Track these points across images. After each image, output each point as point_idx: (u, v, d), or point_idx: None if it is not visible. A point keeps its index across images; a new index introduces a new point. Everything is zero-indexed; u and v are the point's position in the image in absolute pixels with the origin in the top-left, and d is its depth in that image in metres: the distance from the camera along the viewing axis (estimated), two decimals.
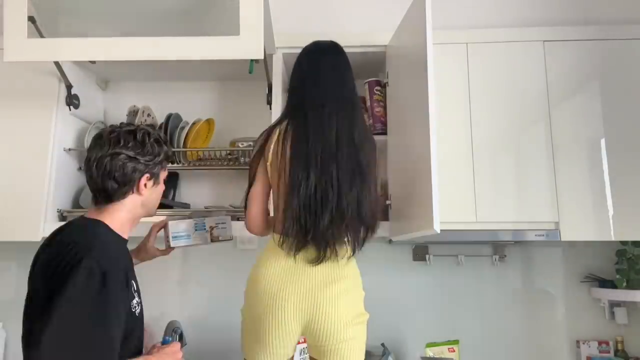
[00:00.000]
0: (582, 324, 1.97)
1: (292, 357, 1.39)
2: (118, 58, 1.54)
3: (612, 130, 1.78)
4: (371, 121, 1.90)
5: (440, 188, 1.30)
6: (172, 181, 2.10)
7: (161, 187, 1.35)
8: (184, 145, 1.93)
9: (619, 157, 1.76)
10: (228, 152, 2.00)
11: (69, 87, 1.88)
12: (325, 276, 1.31)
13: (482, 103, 1.82)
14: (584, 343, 1.93)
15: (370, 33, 1.90)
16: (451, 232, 1.71)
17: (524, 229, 1.74)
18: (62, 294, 1.02)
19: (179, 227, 1.55)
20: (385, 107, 1.85)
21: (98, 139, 1.24)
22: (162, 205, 1.91)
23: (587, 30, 1.87)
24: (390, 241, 1.94)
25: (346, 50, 1.82)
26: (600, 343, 1.93)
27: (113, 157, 1.20)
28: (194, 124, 1.97)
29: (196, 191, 2.12)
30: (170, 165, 1.95)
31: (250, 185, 1.43)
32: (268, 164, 1.38)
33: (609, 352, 1.92)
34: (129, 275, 1.19)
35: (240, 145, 1.95)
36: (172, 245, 1.54)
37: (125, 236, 1.27)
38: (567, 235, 1.72)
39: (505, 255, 2.02)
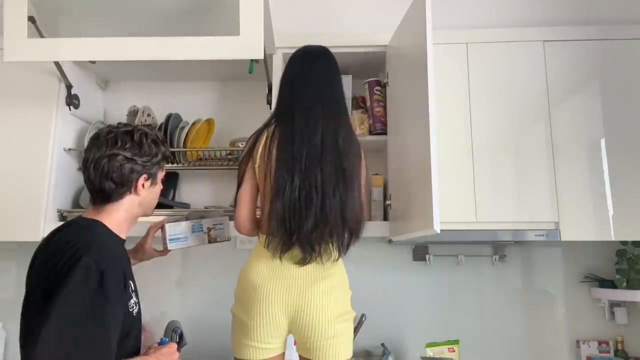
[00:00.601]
0: (582, 324, 1.97)
1: (283, 353, 1.40)
2: (118, 58, 1.54)
3: (612, 130, 1.78)
4: (371, 121, 1.90)
5: (440, 188, 1.30)
6: (172, 181, 2.10)
7: (159, 187, 1.35)
8: (184, 145, 1.93)
9: (619, 157, 1.76)
10: (228, 152, 2.00)
11: (69, 87, 1.88)
12: (311, 274, 1.33)
13: (482, 103, 1.82)
14: (584, 343, 1.93)
15: (370, 33, 1.90)
16: (451, 232, 1.71)
17: (524, 229, 1.74)
18: (60, 293, 1.02)
19: (177, 229, 1.55)
20: (385, 107, 1.85)
21: (95, 139, 1.24)
22: (161, 205, 1.92)
23: (587, 30, 1.87)
24: (390, 241, 1.94)
25: (346, 50, 1.85)
26: (600, 343, 1.93)
27: (111, 158, 1.20)
28: (194, 124, 1.97)
29: (196, 191, 2.12)
30: (170, 165, 1.96)
31: (238, 187, 1.45)
32: (256, 166, 1.41)
33: (609, 352, 1.92)
34: (127, 275, 1.19)
35: (240, 145, 1.95)
36: (169, 247, 1.55)
37: (123, 236, 1.28)
38: (567, 235, 1.72)
39: (505, 255, 2.02)
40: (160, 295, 2.08)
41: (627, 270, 1.87)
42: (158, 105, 2.09)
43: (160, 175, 1.35)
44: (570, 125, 1.79)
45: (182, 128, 1.97)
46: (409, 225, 1.48)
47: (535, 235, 1.73)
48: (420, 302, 2.03)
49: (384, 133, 1.84)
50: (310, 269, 1.33)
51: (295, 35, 1.90)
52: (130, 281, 1.21)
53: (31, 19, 1.51)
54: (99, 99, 2.19)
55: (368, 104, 1.92)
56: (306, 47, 1.54)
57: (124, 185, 1.23)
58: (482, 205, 1.75)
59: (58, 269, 1.07)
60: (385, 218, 1.82)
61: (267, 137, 1.40)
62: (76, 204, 1.95)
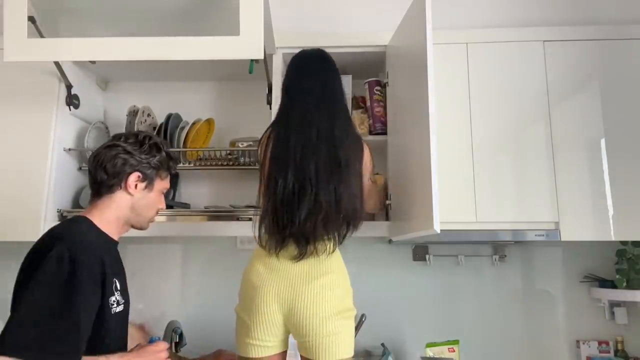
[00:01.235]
0: (582, 324, 1.97)
1: (285, 352, 1.41)
2: (118, 58, 1.54)
3: (612, 130, 1.78)
4: (371, 121, 1.90)
5: (440, 188, 1.30)
6: (172, 181, 2.09)
7: (155, 197, 1.33)
8: (184, 145, 1.93)
9: (619, 157, 1.76)
10: (228, 152, 2.00)
11: (69, 87, 1.88)
12: (307, 271, 1.33)
13: (482, 103, 1.82)
14: (584, 343, 1.93)
15: (370, 33, 1.90)
16: (451, 232, 1.71)
17: (524, 229, 1.74)
18: (33, 279, 1.06)
19: None
20: (385, 107, 1.85)
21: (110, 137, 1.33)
22: None
23: (587, 30, 1.87)
24: (390, 241, 1.93)
25: (346, 50, 1.85)
26: (600, 343, 1.93)
27: (109, 149, 1.25)
28: (194, 124, 1.97)
29: (196, 191, 2.12)
30: None
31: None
32: (260, 168, 1.45)
33: (609, 352, 1.92)
34: (109, 270, 1.18)
35: (240, 145, 1.95)
36: None
37: (113, 236, 1.28)
38: (567, 235, 1.72)
39: (505, 255, 2.02)
40: (160, 295, 2.08)
41: (627, 270, 1.87)
42: (158, 105, 2.09)
43: (160, 185, 1.33)
44: (570, 125, 1.79)
45: (182, 128, 1.97)
46: (409, 225, 1.48)
47: (535, 235, 1.73)
48: (420, 302, 2.03)
49: (384, 133, 1.84)
50: (307, 266, 1.34)
51: (295, 35, 1.90)
52: (116, 279, 1.22)
53: (31, 19, 1.51)
54: (99, 99, 2.19)
55: (368, 104, 1.92)
56: (301, 51, 1.57)
57: (115, 177, 1.24)
58: (482, 205, 1.75)
59: (35, 258, 1.11)
60: (386, 218, 1.82)
61: (265, 138, 1.44)
62: (76, 204, 1.95)
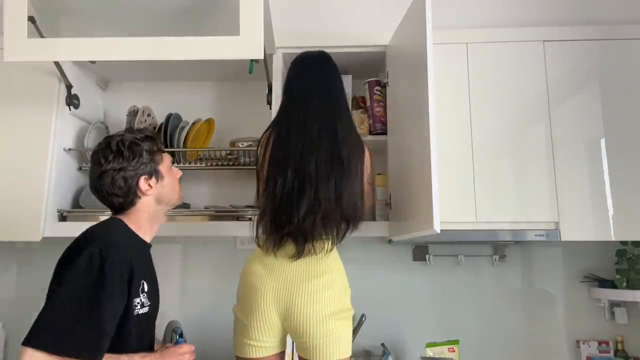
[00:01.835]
0: (582, 324, 1.97)
1: (283, 352, 1.41)
2: (118, 58, 1.54)
3: (612, 130, 1.78)
4: (371, 121, 1.90)
5: (440, 188, 1.30)
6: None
7: (169, 178, 1.37)
8: (184, 145, 1.93)
9: (619, 157, 1.76)
10: (228, 152, 2.00)
11: (69, 87, 1.88)
12: (305, 271, 1.33)
13: (482, 103, 1.82)
14: (584, 343, 1.93)
15: (370, 33, 1.90)
16: (451, 232, 1.71)
17: (524, 229, 1.74)
18: (65, 276, 1.11)
19: None
20: (385, 107, 1.85)
21: (90, 164, 1.31)
22: None
23: (587, 30, 1.87)
24: (390, 241, 1.93)
25: (346, 50, 1.85)
26: (600, 343, 1.93)
27: (103, 177, 1.26)
28: (194, 124, 1.97)
29: (196, 191, 2.12)
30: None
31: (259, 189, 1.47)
32: (259, 168, 1.43)
33: (609, 352, 1.92)
34: (137, 271, 1.21)
35: (240, 145, 1.95)
36: None
37: (146, 238, 1.32)
38: (567, 235, 1.72)
39: (505, 255, 2.02)
40: (161, 295, 2.08)
41: (627, 270, 1.87)
42: (158, 105, 2.09)
43: (164, 166, 1.36)
44: (570, 125, 1.79)
45: (182, 128, 1.97)
46: (409, 225, 1.48)
47: (535, 235, 1.73)
48: (420, 302, 2.03)
49: (384, 133, 1.84)
50: (304, 266, 1.33)
51: (295, 35, 1.90)
52: (144, 281, 1.24)
53: (31, 19, 1.51)
54: (99, 99, 2.19)
55: (368, 104, 1.92)
56: (304, 52, 1.57)
57: (129, 195, 1.28)
58: (482, 205, 1.75)
59: (70, 254, 1.15)
60: (385, 218, 1.82)
61: (265, 139, 1.43)
62: (76, 204, 1.95)
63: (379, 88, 1.90)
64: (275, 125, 1.45)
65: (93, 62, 1.88)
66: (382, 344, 1.90)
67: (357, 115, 1.92)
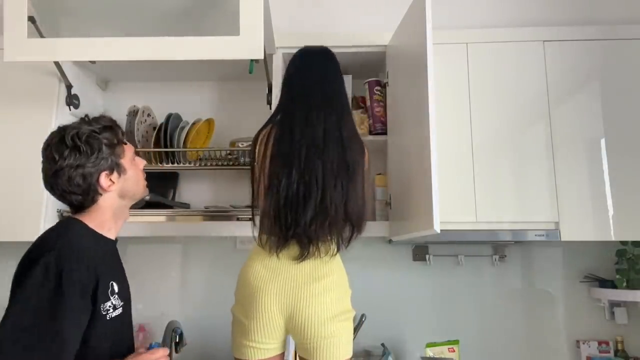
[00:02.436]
0: (582, 324, 1.97)
1: (283, 353, 1.40)
2: (118, 58, 1.54)
3: (612, 130, 1.78)
4: (371, 121, 1.90)
5: (440, 188, 1.30)
6: (172, 181, 2.10)
7: (132, 170, 1.26)
8: (184, 145, 1.93)
9: (619, 157, 1.76)
10: (228, 152, 2.00)
11: (69, 87, 1.88)
12: (309, 273, 1.31)
13: (482, 103, 1.82)
14: (584, 343, 1.93)
15: (370, 33, 1.90)
16: (451, 232, 1.71)
17: (524, 229, 1.74)
18: (19, 290, 1.02)
19: None
20: (385, 107, 1.85)
21: (43, 156, 1.19)
22: (162, 205, 1.92)
23: (587, 30, 1.87)
24: (390, 241, 1.93)
25: (346, 50, 1.85)
26: (600, 343, 1.93)
27: (58, 175, 1.14)
28: (194, 124, 1.97)
29: (196, 191, 2.12)
30: (170, 165, 1.97)
31: (253, 188, 1.42)
32: (256, 164, 1.39)
33: (609, 352, 1.92)
34: (103, 275, 1.13)
35: (240, 145, 1.95)
36: None
37: (110, 235, 1.23)
38: (567, 235, 1.72)
39: (505, 255, 2.02)
40: (160, 295, 2.08)
41: (627, 270, 1.87)
42: (158, 105, 2.09)
43: (124, 159, 1.24)
44: (570, 125, 1.79)
45: (182, 128, 1.97)
46: (409, 225, 1.48)
47: (535, 235, 1.73)
48: (420, 302, 2.03)
49: (384, 133, 1.84)
50: (308, 268, 1.32)
51: (295, 35, 1.90)
52: (113, 282, 1.17)
53: (31, 19, 1.51)
54: (99, 99, 2.19)
55: (368, 104, 1.92)
56: (306, 47, 1.54)
57: (89, 193, 1.17)
58: (482, 205, 1.75)
59: (24, 267, 1.07)
60: (385, 218, 1.82)
61: (266, 136, 1.39)
62: None
63: (379, 88, 1.90)
64: (276, 122, 1.40)
65: (93, 62, 1.88)
66: (382, 344, 1.90)
67: (357, 115, 1.92)
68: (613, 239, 1.74)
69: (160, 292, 2.08)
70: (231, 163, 2.01)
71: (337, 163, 1.30)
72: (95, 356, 1.09)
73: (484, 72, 1.84)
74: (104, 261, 1.16)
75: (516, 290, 2.03)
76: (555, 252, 2.03)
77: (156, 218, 1.87)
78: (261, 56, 1.48)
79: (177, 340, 1.83)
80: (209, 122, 2.06)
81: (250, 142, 1.90)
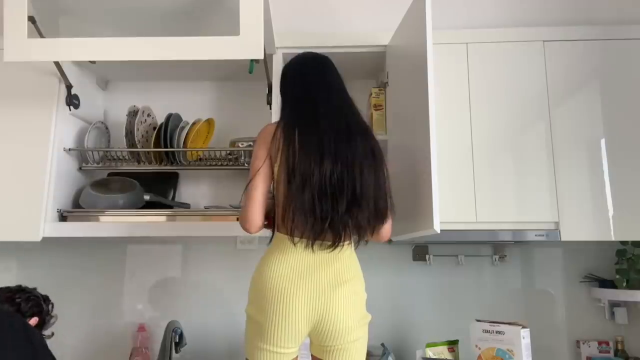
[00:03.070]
0: (582, 324, 1.97)
1: (297, 356, 1.37)
2: (118, 58, 1.54)
3: (612, 130, 1.78)
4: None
5: (440, 188, 1.30)
6: (172, 181, 2.10)
7: None
8: (184, 145, 1.93)
9: (619, 157, 1.76)
10: (228, 152, 2.00)
11: (69, 87, 1.88)
12: (335, 277, 1.30)
13: (482, 103, 1.82)
14: (584, 343, 1.93)
15: (370, 33, 1.90)
16: (451, 232, 1.72)
17: (524, 229, 1.74)
18: None
19: None
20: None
21: None
22: (162, 205, 1.93)
23: (587, 30, 1.87)
24: (390, 241, 1.93)
25: (346, 50, 1.85)
26: (600, 343, 1.93)
27: None
28: (194, 124, 1.97)
29: (196, 191, 2.12)
30: (170, 165, 1.97)
31: (250, 185, 1.39)
32: (275, 164, 1.33)
33: (609, 352, 1.92)
34: None
35: (240, 145, 1.95)
36: None
37: None
38: (567, 235, 1.72)
39: (505, 255, 2.02)
40: (160, 295, 2.08)
41: (627, 270, 1.87)
42: (158, 105, 2.09)
43: None
44: (570, 125, 1.79)
45: (182, 128, 1.97)
46: (409, 225, 1.48)
47: (535, 235, 1.73)
48: (420, 302, 2.03)
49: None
50: (334, 270, 1.29)
51: (295, 35, 1.90)
52: None
53: (31, 19, 1.51)
54: (99, 99, 2.19)
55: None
56: (300, 54, 1.51)
57: None
58: (482, 205, 1.75)
59: None
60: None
61: (281, 132, 1.33)
62: (76, 204, 1.95)
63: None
64: (296, 115, 1.36)
65: (93, 62, 1.88)
66: (382, 344, 1.90)
67: None
68: (613, 239, 1.74)
69: (160, 292, 2.08)
70: (231, 163, 2.02)
71: (365, 153, 1.30)
72: None
73: (484, 72, 1.84)
74: None
75: (516, 290, 2.03)
76: (555, 252, 2.03)
77: (156, 218, 1.87)
78: (261, 56, 1.48)
79: (177, 340, 1.83)
80: (209, 122, 2.06)
81: (251, 142, 1.92)
